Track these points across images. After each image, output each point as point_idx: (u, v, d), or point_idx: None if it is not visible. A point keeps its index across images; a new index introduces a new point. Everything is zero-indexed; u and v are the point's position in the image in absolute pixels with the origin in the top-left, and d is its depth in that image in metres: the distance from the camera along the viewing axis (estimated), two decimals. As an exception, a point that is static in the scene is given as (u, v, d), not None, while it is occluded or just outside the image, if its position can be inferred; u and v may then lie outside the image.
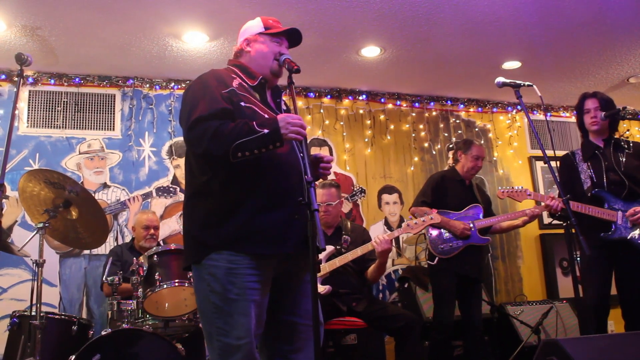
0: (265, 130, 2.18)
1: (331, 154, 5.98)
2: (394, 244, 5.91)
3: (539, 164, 6.64)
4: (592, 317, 3.67)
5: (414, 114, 6.35)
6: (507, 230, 4.81)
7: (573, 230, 2.97)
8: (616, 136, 4.03)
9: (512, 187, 4.11)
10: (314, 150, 5.90)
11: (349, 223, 4.66)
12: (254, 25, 2.64)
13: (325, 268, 4.19)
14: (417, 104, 6.36)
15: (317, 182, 3.14)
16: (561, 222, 3.21)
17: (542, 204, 3.86)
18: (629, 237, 3.70)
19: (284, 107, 2.62)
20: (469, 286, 4.54)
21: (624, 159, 3.87)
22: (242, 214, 2.26)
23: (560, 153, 6.26)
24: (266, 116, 2.35)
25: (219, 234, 2.27)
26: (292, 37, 2.63)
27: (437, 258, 4.50)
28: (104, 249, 4.97)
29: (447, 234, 4.54)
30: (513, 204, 6.40)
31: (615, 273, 3.80)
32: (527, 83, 3.24)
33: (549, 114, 6.84)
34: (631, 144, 3.99)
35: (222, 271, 2.24)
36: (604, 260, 3.73)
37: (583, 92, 4.09)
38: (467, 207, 4.59)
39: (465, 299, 4.57)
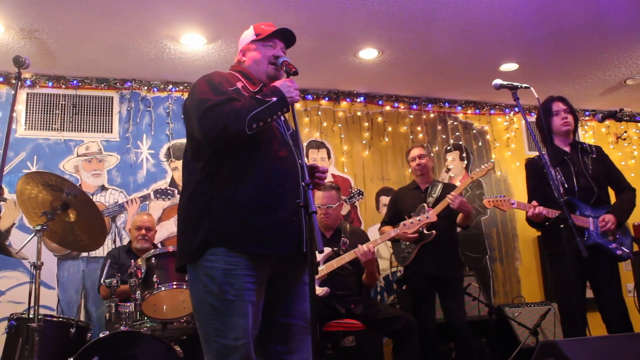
0: (274, 99, 2.28)
1: (329, 156, 5.99)
2: (391, 245, 5.91)
3: (537, 166, 6.65)
4: (573, 325, 3.68)
5: (411, 116, 6.36)
6: (470, 215, 4.52)
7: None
8: (583, 140, 4.05)
9: (497, 197, 4.05)
10: (312, 153, 5.91)
11: (348, 225, 4.68)
12: (247, 34, 2.67)
13: (323, 270, 4.20)
14: (414, 106, 6.37)
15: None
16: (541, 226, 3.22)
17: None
18: (601, 242, 3.72)
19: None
20: (442, 287, 4.52)
21: (590, 164, 3.90)
22: (241, 213, 2.26)
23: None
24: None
25: (216, 230, 2.25)
26: (286, 37, 2.63)
27: (402, 269, 4.56)
28: (102, 251, 4.96)
29: (403, 243, 4.60)
30: (510, 197, 6.40)
31: (590, 280, 3.81)
32: (524, 85, 3.24)
33: (546, 115, 6.85)
34: (594, 148, 4.02)
35: (220, 272, 2.22)
36: (576, 266, 3.68)
37: (549, 95, 4.08)
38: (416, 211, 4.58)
39: (443, 301, 4.56)
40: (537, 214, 3.69)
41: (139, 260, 3.81)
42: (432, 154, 4.90)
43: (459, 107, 6.53)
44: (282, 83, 2.34)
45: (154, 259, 3.72)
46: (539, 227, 3.95)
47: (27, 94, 5.26)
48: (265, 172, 2.32)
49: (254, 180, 2.29)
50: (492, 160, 4.97)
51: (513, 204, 3.96)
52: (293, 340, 2.39)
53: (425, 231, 4.40)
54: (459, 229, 4.64)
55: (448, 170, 6.27)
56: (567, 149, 3.95)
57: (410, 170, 4.88)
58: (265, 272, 2.31)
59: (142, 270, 3.70)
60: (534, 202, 3.75)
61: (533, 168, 4.04)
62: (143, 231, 4.62)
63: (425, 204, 4.53)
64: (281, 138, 2.44)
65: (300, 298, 2.42)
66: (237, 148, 2.30)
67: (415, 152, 4.76)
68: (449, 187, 4.70)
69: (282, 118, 2.56)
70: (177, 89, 5.64)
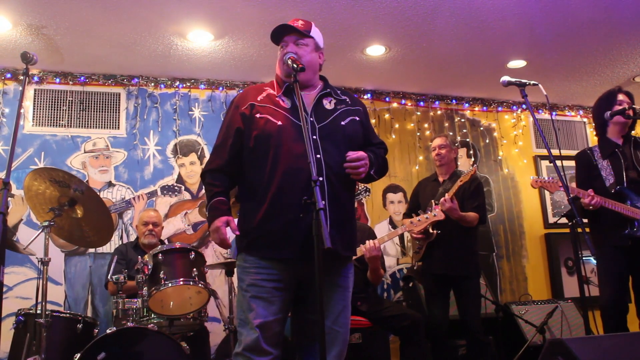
0: (210, 217, 2.57)
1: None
2: (398, 242, 5.91)
3: (544, 163, 6.62)
4: (611, 317, 3.65)
5: (418, 113, 6.35)
6: (462, 220, 4.38)
7: (579, 230, 2.95)
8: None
9: (545, 177, 3.90)
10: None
11: (355, 221, 4.66)
12: None
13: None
14: (422, 103, 6.35)
15: None
16: (568, 222, 3.19)
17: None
18: None
19: (328, 105, 2.67)
20: (455, 285, 4.48)
21: None
22: (252, 222, 2.50)
23: (565, 152, 6.25)
24: (279, 123, 2.51)
25: (241, 239, 2.56)
26: (289, 30, 2.66)
27: (408, 267, 4.54)
28: (109, 247, 4.98)
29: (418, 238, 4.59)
30: (517, 195, 6.40)
31: (633, 273, 3.77)
32: (532, 82, 3.21)
33: (554, 113, 6.82)
34: None
35: (240, 269, 2.55)
36: (620, 259, 3.70)
37: (615, 86, 4.02)
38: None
39: (457, 299, 4.52)
40: (592, 203, 3.61)
41: (146, 256, 3.81)
42: (456, 144, 4.77)
43: (467, 104, 6.51)
44: (213, 226, 2.53)
45: (160, 255, 3.72)
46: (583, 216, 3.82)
47: (35, 90, 5.28)
48: (278, 181, 2.47)
49: (263, 190, 2.49)
50: (476, 164, 4.96)
51: (561, 187, 3.86)
52: (330, 345, 2.49)
53: (430, 229, 4.38)
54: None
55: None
56: (619, 141, 3.91)
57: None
58: (284, 272, 2.47)
59: (149, 267, 3.70)
60: (591, 190, 3.68)
61: (582, 159, 4.01)
62: (150, 226, 4.64)
63: (433, 201, 4.51)
64: (300, 136, 2.45)
65: (333, 300, 2.53)
66: (253, 165, 2.56)
67: (436, 142, 4.74)
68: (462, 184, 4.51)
69: (327, 107, 2.66)
70: (184, 85, 5.64)
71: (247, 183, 2.60)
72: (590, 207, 3.63)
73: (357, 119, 2.70)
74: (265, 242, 2.47)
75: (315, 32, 2.71)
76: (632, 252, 3.69)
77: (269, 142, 2.49)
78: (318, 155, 2.47)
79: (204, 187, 2.75)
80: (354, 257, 4.18)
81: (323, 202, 2.36)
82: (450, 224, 4.33)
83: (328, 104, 2.67)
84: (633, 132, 4.01)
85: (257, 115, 2.54)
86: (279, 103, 2.59)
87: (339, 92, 2.76)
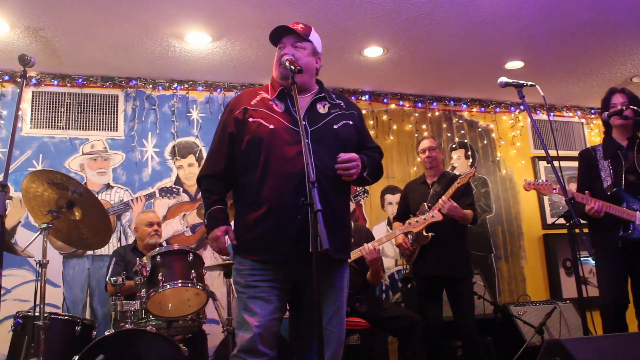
0: (208, 225, 2.64)
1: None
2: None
3: (542, 164, 6.63)
4: (611, 316, 3.65)
5: (416, 114, 6.35)
6: (464, 218, 4.43)
7: (577, 230, 2.95)
8: None
9: (538, 180, 3.90)
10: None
11: (352, 223, 4.66)
12: None
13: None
14: (419, 104, 6.36)
15: None
16: (565, 222, 3.19)
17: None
18: None
19: (322, 109, 2.68)
20: (448, 287, 4.49)
21: None
22: (245, 224, 2.56)
23: (563, 153, 6.24)
24: (271, 127, 2.52)
25: (237, 242, 2.60)
26: (286, 34, 2.68)
27: (408, 266, 4.55)
28: (107, 249, 4.98)
29: (409, 241, 4.58)
30: (515, 196, 6.41)
31: (631, 274, 3.77)
32: (530, 83, 3.22)
33: (551, 113, 6.83)
34: None
35: (235, 272, 2.59)
36: (619, 260, 3.70)
37: (610, 87, 4.00)
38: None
39: (451, 301, 4.52)
40: (596, 208, 3.60)
41: (144, 258, 3.82)
42: (441, 145, 4.80)
43: (464, 105, 6.52)
44: (212, 234, 2.59)
45: (159, 257, 3.72)
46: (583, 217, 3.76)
47: (33, 92, 5.28)
48: (269, 184, 2.49)
49: (255, 194, 2.53)
50: (474, 167, 4.98)
51: (555, 189, 3.81)
52: (325, 345, 2.50)
53: (424, 232, 4.38)
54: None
55: (453, 168, 6.26)
56: (624, 143, 3.87)
57: (419, 160, 4.82)
58: (279, 273, 2.49)
59: (147, 269, 3.70)
60: (587, 193, 3.67)
61: (585, 158, 4.00)
62: (155, 226, 4.63)
63: (425, 203, 4.51)
64: (292, 139, 2.51)
65: (328, 301, 2.55)
66: (245, 168, 2.59)
67: (425, 144, 4.72)
68: (452, 182, 4.52)
69: (321, 111, 2.67)
70: (182, 87, 5.64)
71: (240, 186, 2.64)
72: (600, 214, 3.63)
73: (351, 122, 2.70)
74: (258, 245, 2.50)
75: (314, 36, 2.72)
76: (630, 253, 3.70)
77: (260, 145, 2.52)
78: (310, 158, 2.47)
79: (200, 193, 2.78)
80: (354, 259, 4.23)
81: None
82: (442, 225, 4.34)
83: (322, 108, 2.68)
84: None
85: (250, 119, 2.57)
86: (272, 107, 2.61)
87: (334, 96, 2.77)
